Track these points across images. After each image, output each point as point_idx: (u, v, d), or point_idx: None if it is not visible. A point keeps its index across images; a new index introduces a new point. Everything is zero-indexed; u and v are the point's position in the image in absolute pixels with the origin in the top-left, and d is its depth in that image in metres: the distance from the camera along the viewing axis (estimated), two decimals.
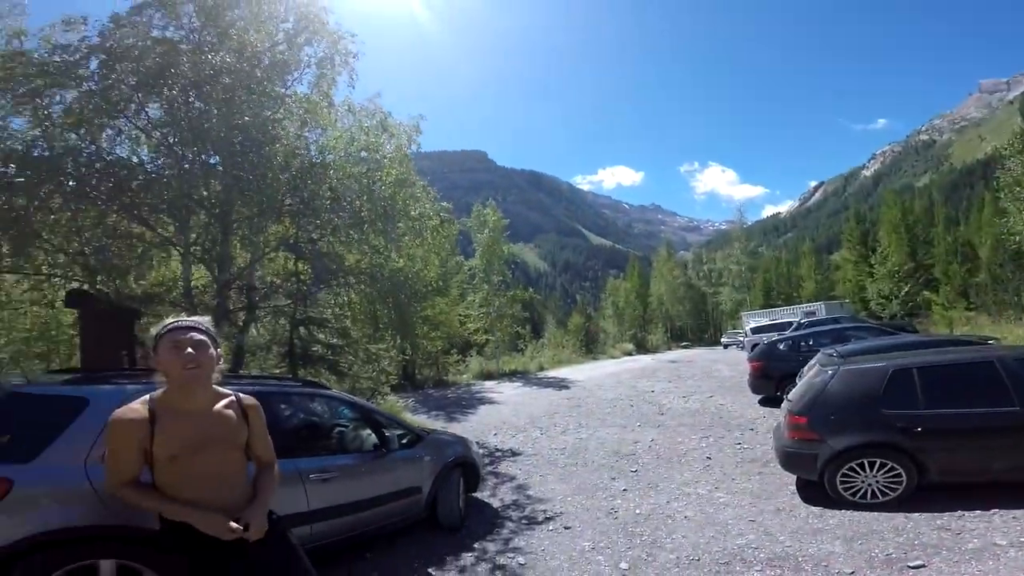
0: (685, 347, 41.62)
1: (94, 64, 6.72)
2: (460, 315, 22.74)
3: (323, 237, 8.75)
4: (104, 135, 7.25)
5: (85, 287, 7.23)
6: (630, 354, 32.69)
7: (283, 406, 3.74)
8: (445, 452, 4.73)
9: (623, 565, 3.84)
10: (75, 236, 7.00)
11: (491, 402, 13.38)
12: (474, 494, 5.40)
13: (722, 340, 37.01)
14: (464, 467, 4.89)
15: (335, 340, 9.67)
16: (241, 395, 2.05)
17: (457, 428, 9.41)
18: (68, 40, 6.82)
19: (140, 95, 6.89)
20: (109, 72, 6.56)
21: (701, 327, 53.23)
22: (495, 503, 5.44)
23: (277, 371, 9.21)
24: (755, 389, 10.50)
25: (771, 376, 9.87)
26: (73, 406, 2.87)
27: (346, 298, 10.04)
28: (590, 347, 35.14)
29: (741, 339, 27.86)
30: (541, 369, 23.14)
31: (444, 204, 10.48)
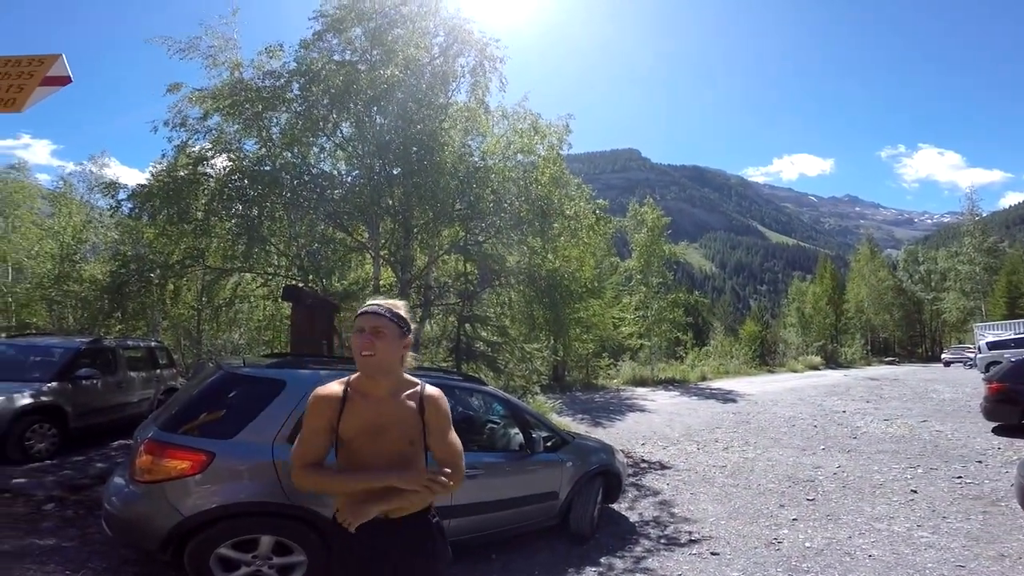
0: (890, 363, 34.86)
1: (296, 88, 7.97)
2: (614, 318, 22.19)
3: (487, 239, 9.32)
4: (312, 152, 8.70)
5: (299, 284, 8.77)
6: (816, 368, 28.52)
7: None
8: (589, 459, 4.58)
9: None
10: (293, 241, 8.54)
11: (641, 410, 12.85)
12: (612, 505, 5.18)
13: (943, 356, 31.06)
14: (606, 476, 4.70)
15: (495, 338, 10.17)
16: (427, 386, 1.92)
17: (601, 434, 9.18)
18: (272, 67, 8.24)
19: (333, 113, 8.04)
20: (308, 94, 7.72)
21: (913, 340, 44.06)
22: (632, 517, 5.14)
23: (444, 364, 10.03)
24: (991, 415, 8.84)
25: (1017, 401, 8.38)
26: (273, 388, 3.22)
27: (507, 298, 10.52)
28: (766, 358, 31.56)
29: (971, 356, 23.08)
30: (703, 379, 21.52)
31: (599, 201, 10.28)
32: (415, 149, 7.68)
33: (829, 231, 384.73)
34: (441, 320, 10.78)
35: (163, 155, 8.24)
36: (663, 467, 7.15)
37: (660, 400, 14.69)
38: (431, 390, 1.89)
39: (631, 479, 6.26)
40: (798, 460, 7.27)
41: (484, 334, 10.08)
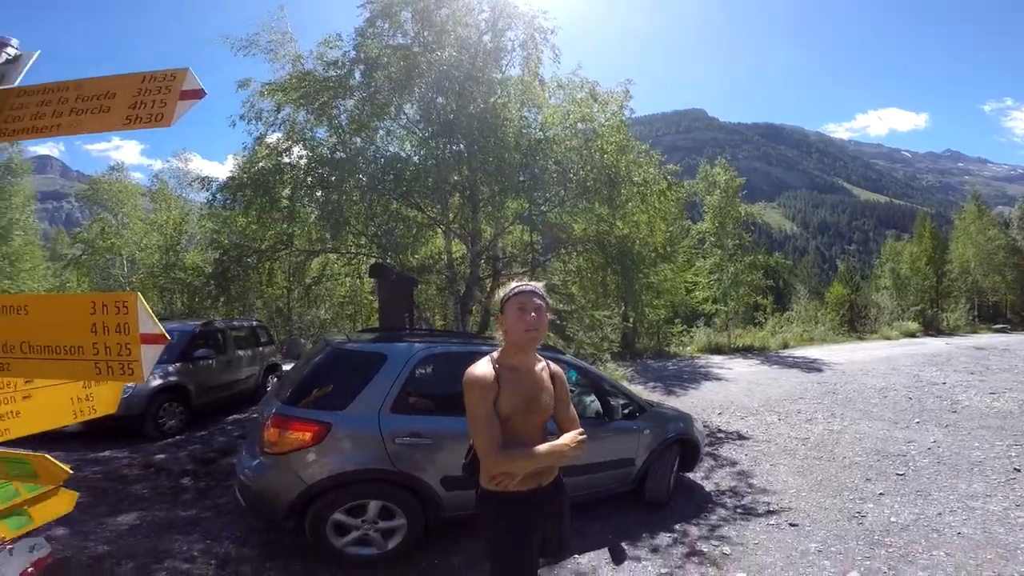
0: (1000, 330, 31.28)
1: (358, 75, 8.19)
2: (687, 282, 21.43)
3: (552, 209, 9.30)
4: (379, 136, 9.00)
5: (378, 261, 9.23)
6: (913, 336, 26.17)
7: None
8: (666, 427, 4.59)
9: (853, 574, 3.31)
10: (370, 221, 8.96)
11: (717, 379, 12.49)
12: (687, 474, 5.17)
13: None
14: (683, 445, 4.70)
15: (563, 306, 10.22)
16: (550, 362, 2.07)
17: (675, 403, 9.08)
18: (333, 56, 8.50)
19: (396, 97, 8.20)
20: (370, 80, 7.92)
21: None
22: (708, 486, 5.12)
23: None
24: None
25: None
26: (376, 361, 3.47)
27: (574, 265, 10.51)
28: (855, 324, 29.36)
29: None
30: (785, 347, 20.44)
31: (670, 167, 9.93)
32: (476, 126, 7.75)
33: (927, 188, 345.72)
34: None
35: (244, 148, 8.82)
36: (741, 438, 7.01)
37: (738, 368, 14.19)
38: (555, 366, 2.05)
39: (708, 449, 6.21)
40: (889, 433, 6.87)
41: (552, 302, 10.15)
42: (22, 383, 1.43)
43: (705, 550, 3.71)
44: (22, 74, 1.54)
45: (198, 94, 1.45)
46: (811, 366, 14.15)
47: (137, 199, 21.22)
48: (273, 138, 8.77)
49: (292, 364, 7.43)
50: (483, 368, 1.86)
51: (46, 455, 1.42)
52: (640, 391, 10.09)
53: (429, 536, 3.49)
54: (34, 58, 1.57)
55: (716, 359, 17.05)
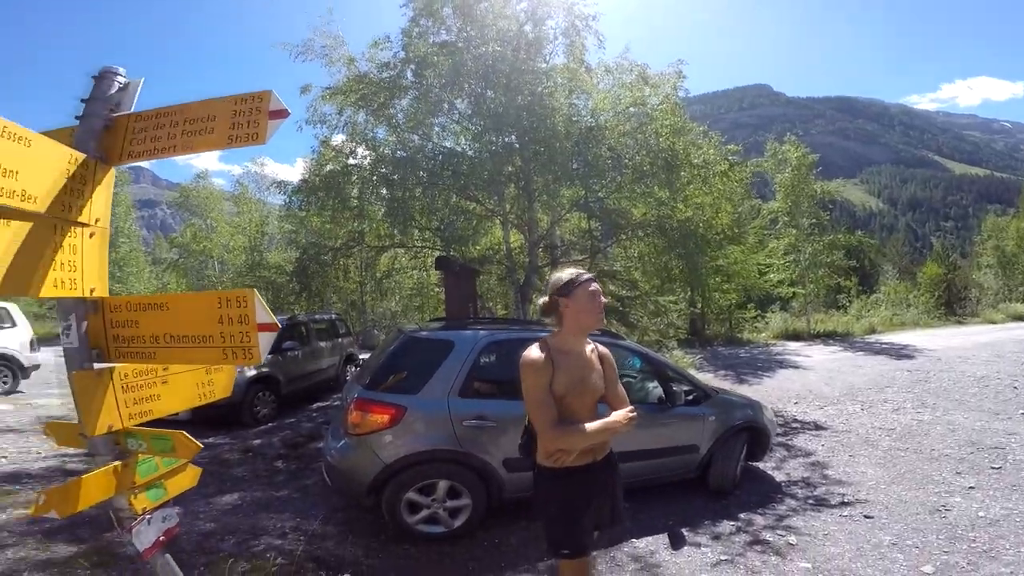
0: None
1: (409, 74, 8.43)
2: (759, 264, 20.36)
3: (609, 195, 9.21)
4: (434, 132, 9.24)
5: (441, 254, 9.56)
6: (1022, 319, 23.48)
7: None
8: (733, 414, 4.50)
9: (927, 568, 3.15)
10: (433, 216, 9.29)
11: (794, 366, 11.87)
12: (756, 463, 5.03)
13: None
14: (752, 433, 4.59)
15: (625, 292, 10.11)
16: (598, 345, 2.16)
17: (747, 391, 8.77)
18: (384, 58, 8.75)
19: (447, 94, 8.41)
20: (421, 79, 8.15)
21: None
22: (778, 476, 4.96)
23: None
24: None
25: None
26: (445, 348, 3.70)
27: (635, 251, 10.36)
28: (954, 307, 26.69)
29: None
30: (871, 332, 19.03)
31: (730, 147, 9.53)
32: (525, 116, 7.80)
33: None
34: None
35: (312, 151, 9.34)
36: (818, 427, 6.70)
37: (817, 356, 13.42)
38: (602, 348, 2.16)
39: (780, 439, 6.01)
40: (987, 425, 6.32)
41: (613, 288, 10.07)
42: (161, 370, 1.71)
43: (769, 539, 3.64)
44: (135, 100, 1.74)
45: (283, 113, 1.64)
46: (901, 352, 13.11)
47: (222, 204, 23.06)
48: (338, 139, 9.26)
49: (367, 354, 7.89)
50: (537, 351, 1.96)
51: (183, 432, 1.69)
52: (708, 379, 9.81)
53: (490, 516, 3.66)
54: (140, 84, 1.79)
55: (793, 345, 16.18)
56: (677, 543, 3.48)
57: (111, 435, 1.58)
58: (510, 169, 8.68)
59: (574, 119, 8.43)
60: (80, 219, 1.43)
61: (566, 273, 2.05)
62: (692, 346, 15.19)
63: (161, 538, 1.78)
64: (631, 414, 2.02)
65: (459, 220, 9.22)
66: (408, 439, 3.44)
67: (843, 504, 4.22)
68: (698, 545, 3.56)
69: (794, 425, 6.84)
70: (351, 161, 9.08)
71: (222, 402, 6.08)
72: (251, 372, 6.94)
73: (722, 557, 3.40)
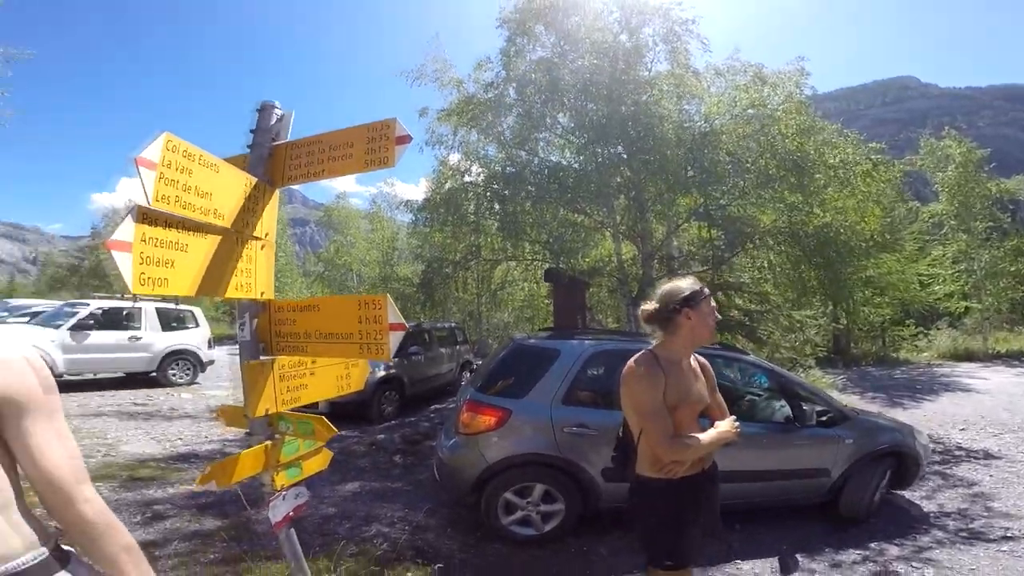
0: None
1: (512, 92, 8.69)
2: (921, 275, 17.53)
3: (731, 202, 8.65)
4: (540, 147, 9.42)
5: (551, 266, 9.68)
6: None
7: None
8: (876, 438, 4.04)
9: None
10: (542, 229, 9.46)
11: (964, 389, 10.20)
12: (902, 492, 4.46)
13: None
14: (899, 458, 4.09)
15: (753, 305, 9.36)
16: (697, 355, 2.12)
17: (901, 415, 7.71)
18: (488, 78, 9.12)
19: (548, 109, 8.55)
20: (522, 96, 8.37)
21: None
22: (928, 506, 4.37)
23: None
24: None
25: None
26: (551, 356, 3.80)
27: (764, 261, 9.57)
28: None
29: None
30: None
31: (873, 144, 8.46)
32: (631, 127, 7.67)
33: None
34: None
35: (433, 171, 10.01)
36: (989, 457, 5.76)
37: (995, 378, 11.36)
38: (701, 358, 2.12)
39: (936, 467, 5.31)
40: None
41: (739, 302, 9.37)
42: (310, 363, 1.98)
43: (900, 570, 3.23)
44: (289, 129, 2.01)
45: (407, 139, 1.84)
46: None
47: (359, 222, 25.69)
48: (454, 158, 9.88)
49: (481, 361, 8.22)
50: (649, 361, 1.92)
51: (323, 416, 1.94)
52: (851, 402, 8.72)
53: (584, 524, 3.65)
54: (292, 116, 2.06)
55: (964, 367, 13.77)
56: (787, 568, 3.19)
57: (266, 417, 1.86)
58: (619, 180, 8.58)
59: (686, 125, 8.17)
60: (255, 233, 1.74)
61: (686, 283, 1.99)
62: (835, 365, 13.58)
63: (291, 513, 2.01)
64: (736, 423, 2.00)
65: (568, 233, 9.27)
66: (511, 441, 3.56)
67: (1005, 539, 3.61)
68: (811, 572, 3.25)
69: (956, 453, 5.95)
70: (467, 179, 9.63)
71: (354, 399, 6.66)
72: (380, 373, 7.50)
73: None
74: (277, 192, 1.93)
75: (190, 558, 3.14)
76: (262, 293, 1.78)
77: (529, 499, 3.59)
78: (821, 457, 3.89)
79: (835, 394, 8.63)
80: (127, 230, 1.22)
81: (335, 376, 2.14)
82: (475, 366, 10.40)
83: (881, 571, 3.25)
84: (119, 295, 9.87)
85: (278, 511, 1.95)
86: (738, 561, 3.35)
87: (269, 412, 1.82)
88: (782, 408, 3.98)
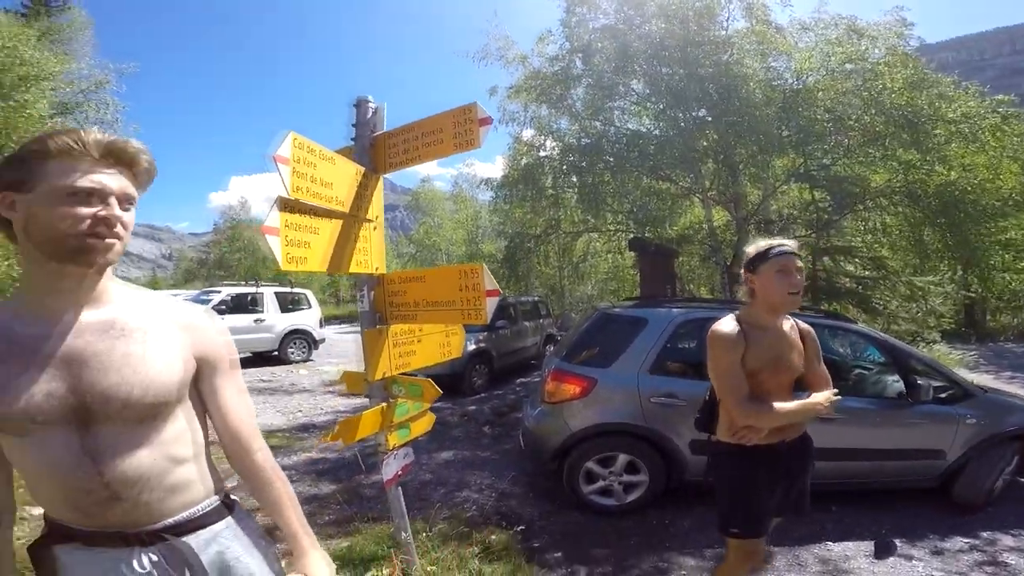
0: None
1: (579, 63, 8.46)
2: None
3: (836, 161, 7.94)
4: (615, 116, 9.15)
5: (636, 235, 9.47)
6: None
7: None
8: (1004, 419, 3.62)
9: None
10: (624, 198, 9.27)
11: None
12: None
13: None
14: None
15: (866, 272, 8.55)
16: (798, 320, 2.04)
17: None
18: (552, 52, 8.95)
19: (620, 77, 8.23)
20: (589, 66, 8.12)
21: None
22: None
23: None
24: None
25: None
26: (638, 324, 3.75)
27: (877, 223, 8.70)
28: None
29: None
30: None
31: (1001, 97, 7.35)
32: (712, 88, 7.26)
33: None
34: None
35: (508, 148, 10.10)
36: None
37: None
38: (805, 324, 2.02)
39: None
40: None
41: (850, 268, 8.61)
42: (418, 330, 2.22)
43: (1011, 562, 2.95)
44: (384, 120, 2.22)
45: (488, 120, 1.96)
46: None
47: (444, 203, 26.66)
48: (528, 134, 9.93)
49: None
50: (729, 325, 1.89)
51: (430, 380, 2.15)
52: (985, 381, 7.77)
53: (667, 496, 3.61)
54: (385, 107, 2.24)
55: None
56: (883, 552, 3.02)
57: (382, 381, 2.11)
58: (704, 144, 8.19)
59: (774, 83, 7.67)
60: (367, 216, 1.97)
61: (756, 245, 1.93)
62: (966, 340, 12.07)
63: (399, 472, 2.26)
64: (833, 396, 1.88)
65: (652, 201, 9.01)
66: (596, 410, 3.56)
67: None
68: (909, 557, 3.05)
69: None
70: (542, 153, 9.64)
71: (448, 371, 7.02)
72: (471, 347, 7.79)
73: (935, 571, 2.88)
74: (380, 178, 2.14)
75: (309, 520, 3.59)
76: (376, 268, 2.01)
77: (611, 469, 3.57)
78: (935, 437, 3.55)
79: (963, 372, 7.73)
80: (274, 217, 1.46)
81: (437, 344, 2.36)
82: (558, 339, 10.56)
83: (986, 560, 3.00)
84: (243, 282, 11.10)
85: (390, 469, 2.21)
86: (829, 543, 3.22)
87: (385, 376, 2.07)
88: (895, 383, 3.67)
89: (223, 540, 1.10)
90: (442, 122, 2.00)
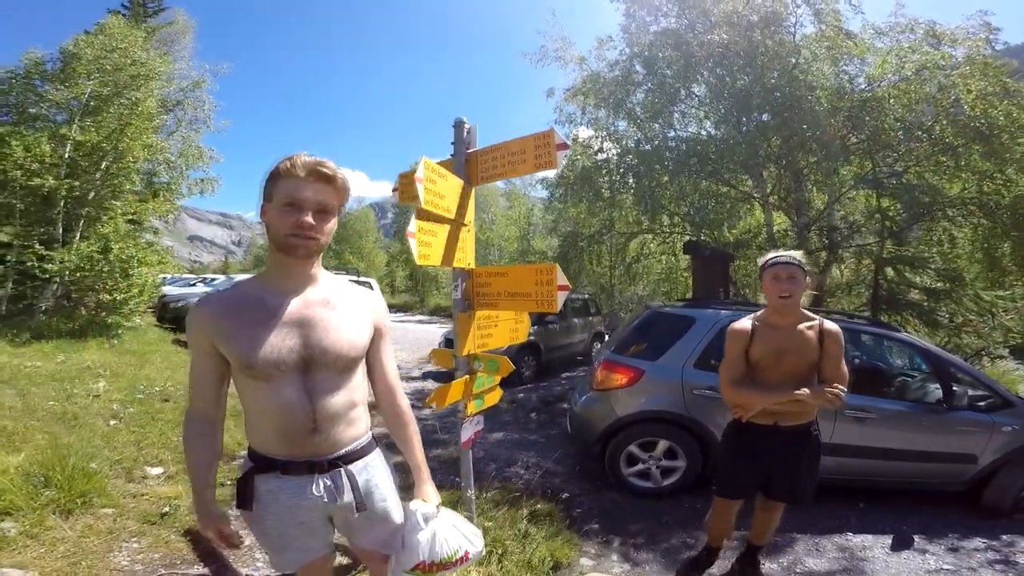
0: None
1: (639, 67, 8.53)
2: None
3: (907, 169, 7.75)
4: (675, 119, 9.24)
5: (692, 239, 9.56)
6: None
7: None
8: None
9: None
10: (681, 201, 9.37)
11: None
12: None
13: None
14: None
15: (937, 284, 8.29)
16: (826, 322, 2.30)
17: None
18: (613, 57, 9.08)
19: (681, 83, 8.33)
20: (652, 71, 8.21)
21: None
22: None
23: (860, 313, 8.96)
24: None
25: None
26: (686, 323, 4.07)
27: (944, 234, 8.43)
28: None
29: None
30: None
31: None
32: (777, 97, 7.26)
33: None
34: (853, 264, 9.58)
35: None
36: None
37: None
38: (830, 325, 2.33)
39: None
40: None
41: (917, 280, 8.39)
42: (496, 316, 2.64)
43: (1021, 561, 3.10)
44: (476, 138, 2.59)
45: (564, 146, 2.33)
46: None
47: (498, 199, 27.27)
48: (584, 134, 10.10)
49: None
50: (743, 323, 2.33)
51: (505, 357, 2.58)
52: None
53: (701, 484, 3.86)
54: (477, 128, 2.64)
55: None
56: (900, 546, 3.24)
57: (467, 357, 2.55)
58: (767, 149, 8.18)
59: (844, 90, 7.53)
60: (464, 222, 2.41)
61: (763, 256, 2.32)
62: None
63: (472, 436, 2.67)
64: (827, 390, 2.13)
65: (710, 204, 9.06)
66: (641, 399, 3.90)
67: None
68: (923, 552, 3.23)
69: None
70: (600, 156, 9.83)
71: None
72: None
73: (945, 566, 3.06)
74: (473, 189, 2.58)
75: None
76: (469, 264, 2.46)
77: (651, 453, 3.89)
78: (968, 442, 3.69)
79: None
80: (413, 224, 1.93)
81: (508, 329, 2.79)
82: (607, 337, 10.81)
83: (999, 559, 3.15)
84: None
85: (466, 432, 2.64)
86: (850, 534, 3.42)
87: (471, 353, 2.51)
88: (935, 389, 3.83)
89: (371, 468, 1.46)
90: (525, 144, 2.40)
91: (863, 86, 7.70)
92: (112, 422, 4.60)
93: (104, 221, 9.38)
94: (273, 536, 1.38)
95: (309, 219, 1.24)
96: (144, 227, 10.79)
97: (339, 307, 1.37)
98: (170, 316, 12.72)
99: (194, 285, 18.00)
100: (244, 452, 1.48)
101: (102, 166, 9.44)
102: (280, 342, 1.27)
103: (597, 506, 3.76)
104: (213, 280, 20.01)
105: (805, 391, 2.19)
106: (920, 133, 7.15)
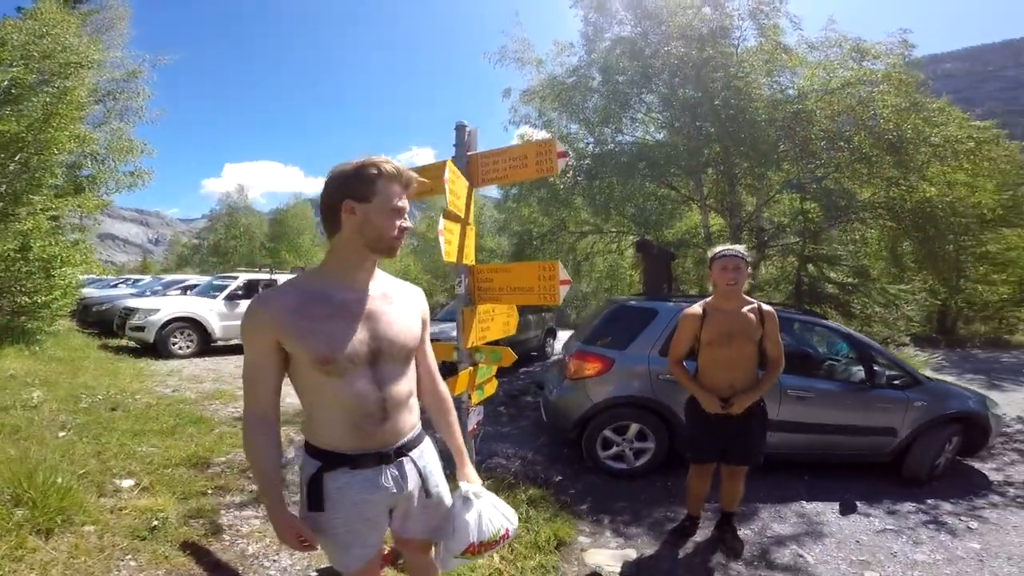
0: None
1: (595, 73, 8.95)
2: None
3: (827, 175, 8.60)
4: (624, 124, 9.68)
5: (636, 238, 10.10)
6: None
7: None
8: (945, 403, 4.29)
9: None
10: (628, 202, 9.86)
11: None
12: (969, 460, 4.78)
13: None
14: (967, 425, 4.33)
15: (848, 279, 9.29)
16: (764, 304, 2.68)
17: (998, 397, 7.59)
18: (572, 63, 9.43)
19: (635, 90, 8.79)
20: (607, 79, 8.64)
21: None
22: (994, 476, 4.60)
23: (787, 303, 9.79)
24: None
25: None
26: (650, 314, 4.39)
27: (859, 235, 9.44)
28: None
29: None
30: None
31: (978, 123, 8.04)
32: (720, 106, 7.80)
33: None
34: (779, 261, 10.48)
35: None
36: None
37: None
38: (767, 307, 2.74)
39: (1017, 444, 5.52)
40: None
41: (833, 275, 9.36)
42: (493, 311, 2.81)
43: (948, 521, 3.63)
44: (476, 141, 2.73)
45: (564, 155, 2.54)
46: None
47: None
48: (539, 136, 10.32)
49: (564, 330, 8.76)
50: (695, 308, 2.71)
51: (508, 348, 2.75)
52: (947, 380, 8.53)
53: (670, 462, 4.20)
54: (477, 131, 2.80)
55: None
56: (846, 510, 3.72)
57: (469, 349, 2.70)
58: (707, 155, 8.78)
59: (778, 101, 8.21)
60: (467, 221, 2.55)
61: (712, 249, 2.70)
62: (935, 345, 12.90)
63: (475, 425, 2.84)
64: (717, 404, 2.64)
65: (654, 206, 9.61)
66: (613, 386, 4.18)
67: None
68: (867, 515, 3.71)
69: None
70: None
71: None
72: None
73: (888, 526, 3.53)
74: (474, 190, 2.72)
75: None
76: (471, 261, 2.61)
77: (625, 436, 4.16)
78: (888, 417, 4.18)
79: (928, 373, 8.47)
80: (440, 223, 2.07)
81: (502, 323, 2.96)
82: (557, 333, 11.18)
83: (930, 520, 3.66)
84: (257, 269, 11.46)
85: (471, 420, 2.81)
86: (803, 502, 3.88)
87: (472, 345, 2.66)
88: (859, 371, 4.33)
89: (426, 455, 1.52)
90: (527, 151, 2.59)
91: (794, 96, 8.39)
92: (61, 434, 4.30)
93: (23, 218, 8.54)
94: (340, 534, 1.40)
95: (409, 224, 1.36)
96: (68, 225, 9.91)
97: (396, 301, 1.46)
98: (93, 320, 11.75)
99: (116, 286, 16.62)
100: (290, 455, 1.48)
101: (16, 158, 8.60)
102: (354, 336, 1.32)
103: (580, 488, 3.99)
104: (137, 281, 18.54)
105: (706, 401, 2.68)
106: (841, 143, 7.91)
